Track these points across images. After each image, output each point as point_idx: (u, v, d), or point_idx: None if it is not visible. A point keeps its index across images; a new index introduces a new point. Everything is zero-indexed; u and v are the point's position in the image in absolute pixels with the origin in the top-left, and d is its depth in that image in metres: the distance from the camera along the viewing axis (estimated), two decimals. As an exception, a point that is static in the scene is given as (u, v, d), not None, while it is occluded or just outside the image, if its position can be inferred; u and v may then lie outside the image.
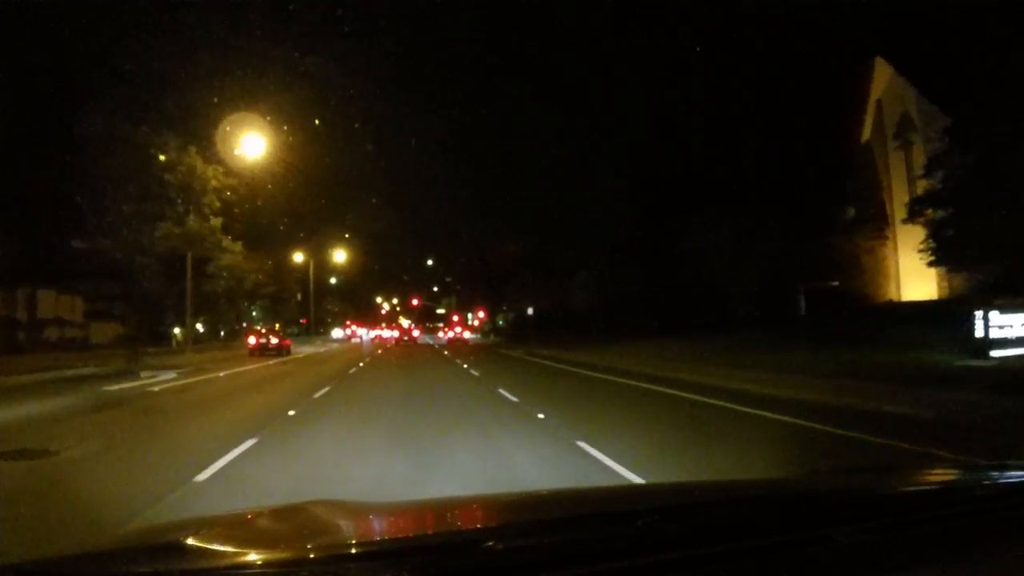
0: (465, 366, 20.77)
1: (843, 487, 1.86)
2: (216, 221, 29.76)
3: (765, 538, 1.27)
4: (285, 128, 29.89)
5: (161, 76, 26.02)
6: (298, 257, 54.61)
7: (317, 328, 77.36)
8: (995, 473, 1.90)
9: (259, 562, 1.10)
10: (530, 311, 34.82)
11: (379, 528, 1.54)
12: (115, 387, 13.58)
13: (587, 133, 43.94)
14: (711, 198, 30.84)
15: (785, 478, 3.41)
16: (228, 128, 24.82)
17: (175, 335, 51.11)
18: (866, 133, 30.88)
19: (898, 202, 29.01)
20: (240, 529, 1.50)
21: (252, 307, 57.16)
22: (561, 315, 36.55)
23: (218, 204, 29.78)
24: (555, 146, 51.88)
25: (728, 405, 10.29)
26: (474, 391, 13.04)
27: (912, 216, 23.67)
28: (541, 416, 9.13)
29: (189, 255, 27.63)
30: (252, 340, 31.16)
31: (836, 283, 32.75)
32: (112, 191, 28.23)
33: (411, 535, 1.47)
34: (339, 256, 57.86)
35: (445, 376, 17.12)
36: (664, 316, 31.06)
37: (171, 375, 16.41)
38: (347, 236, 62.47)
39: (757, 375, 13.96)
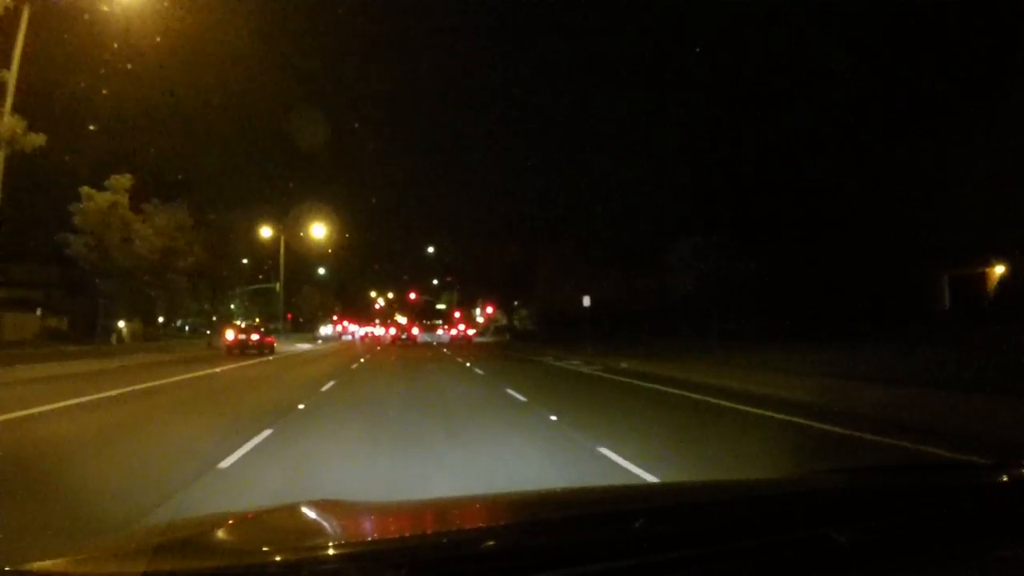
0: (549, 414, 8.97)
1: (843, 487, 1.83)
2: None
3: (765, 538, 1.26)
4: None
5: None
6: (271, 238, 44.89)
7: (301, 325, 68.09)
8: (995, 473, 1.89)
9: (258, 562, 1.10)
10: (586, 301, 25.47)
11: (378, 528, 1.52)
12: None
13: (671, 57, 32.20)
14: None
15: (785, 478, 3.07)
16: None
17: (120, 330, 41.73)
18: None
19: None
20: (239, 529, 1.47)
21: (232, 300, 47.98)
22: (634, 310, 27.32)
23: None
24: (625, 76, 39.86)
25: None
26: None
27: None
28: None
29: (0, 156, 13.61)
30: (230, 336, 28.44)
31: (1002, 266, 24.68)
32: None
33: (410, 535, 1.43)
34: (318, 231, 47.14)
35: (512, 448, 6.49)
36: (784, 313, 22.00)
37: None
38: (345, 232, 52.61)
39: None
